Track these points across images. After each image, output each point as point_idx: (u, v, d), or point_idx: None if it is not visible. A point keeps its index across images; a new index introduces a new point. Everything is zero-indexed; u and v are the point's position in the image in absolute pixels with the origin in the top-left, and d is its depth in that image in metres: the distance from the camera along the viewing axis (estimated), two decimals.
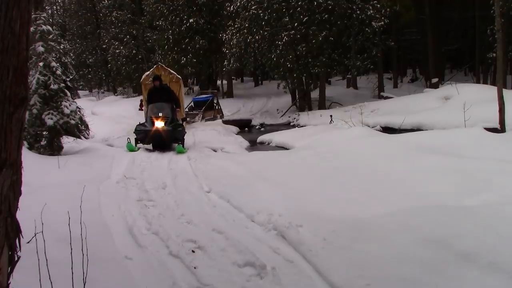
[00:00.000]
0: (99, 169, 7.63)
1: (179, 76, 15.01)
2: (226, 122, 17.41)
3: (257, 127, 17.87)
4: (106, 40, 29.90)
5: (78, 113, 9.17)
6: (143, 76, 14.07)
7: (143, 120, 11.37)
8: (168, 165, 7.95)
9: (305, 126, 15.08)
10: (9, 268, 2.04)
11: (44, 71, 8.78)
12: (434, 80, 20.41)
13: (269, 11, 17.99)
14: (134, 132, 9.74)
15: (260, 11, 18.03)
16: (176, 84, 13.97)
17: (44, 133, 8.71)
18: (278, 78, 22.06)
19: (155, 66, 14.98)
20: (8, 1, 1.88)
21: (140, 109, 13.82)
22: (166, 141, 9.52)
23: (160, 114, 9.62)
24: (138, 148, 9.55)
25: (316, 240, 3.90)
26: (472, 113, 9.34)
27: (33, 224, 2.73)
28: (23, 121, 2.03)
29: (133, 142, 9.76)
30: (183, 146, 9.59)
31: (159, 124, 9.43)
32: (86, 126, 9.42)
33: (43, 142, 8.75)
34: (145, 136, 9.51)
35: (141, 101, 13.97)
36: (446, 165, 5.95)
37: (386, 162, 6.63)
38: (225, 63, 20.46)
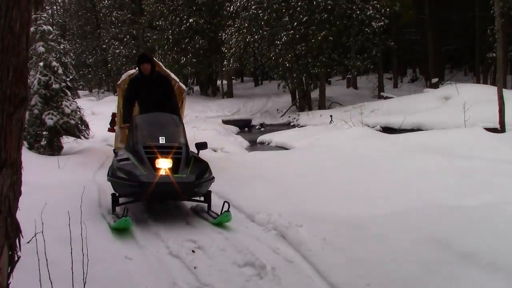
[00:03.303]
0: (98, 169, 7.64)
1: (183, 86, 8.61)
2: (226, 122, 17.43)
3: (257, 127, 17.89)
4: (106, 40, 29.94)
5: (78, 113, 9.17)
6: (123, 77, 7.89)
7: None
8: None
9: (305, 126, 15.09)
10: (9, 268, 2.04)
11: (44, 71, 8.78)
12: (434, 80, 20.42)
13: (268, 11, 18.01)
14: (109, 180, 4.76)
15: (259, 11, 18.05)
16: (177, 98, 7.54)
17: (44, 133, 8.72)
18: (278, 78, 22.10)
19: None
20: (8, 1, 1.88)
21: (111, 130, 7.94)
22: (182, 198, 4.82)
23: (163, 141, 4.72)
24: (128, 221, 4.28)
25: (316, 240, 3.90)
26: (472, 113, 9.35)
27: (33, 224, 2.73)
28: (23, 121, 2.03)
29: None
30: (209, 206, 4.88)
31: (165, 165, 4.47)
32: (86, 126, 9.43)
33: (43, 142, 8.75)
34: (137, 193, 4.51)
35: (114, 115, 7.97)
36: (446, 165, 5.95)
37: (386, 162, 6.64)
38: (225, 63, 20.48)
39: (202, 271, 3.41)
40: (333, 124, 13.17)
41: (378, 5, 17.72)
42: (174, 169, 4.43)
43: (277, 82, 24.82)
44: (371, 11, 17.51)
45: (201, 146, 5.36)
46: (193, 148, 5.26)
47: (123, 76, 7.96)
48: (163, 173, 4.37)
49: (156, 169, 4.39)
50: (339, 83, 29.01)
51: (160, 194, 4.47)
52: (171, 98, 5.69)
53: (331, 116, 14.53)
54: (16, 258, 2.07)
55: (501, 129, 8.62)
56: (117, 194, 4.69)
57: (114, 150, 5.52)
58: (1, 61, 1.89)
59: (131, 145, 4.91)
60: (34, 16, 9.18)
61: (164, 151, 4.54)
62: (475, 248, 3.26)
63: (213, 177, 4.78)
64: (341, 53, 19.12)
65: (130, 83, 5.91)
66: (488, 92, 11.30)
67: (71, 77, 19.13)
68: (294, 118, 17.96)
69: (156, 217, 4.80)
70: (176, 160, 4.51)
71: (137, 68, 7.39)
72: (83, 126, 9.30)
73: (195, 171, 4.55)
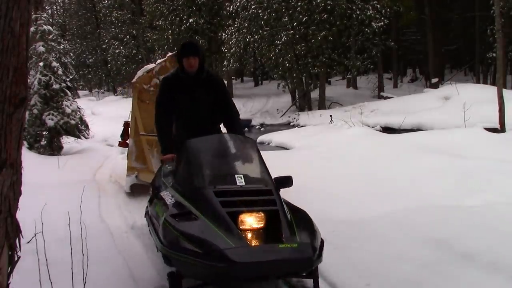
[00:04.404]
0: (98, 169, 7.65)
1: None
2: None
3: (257, 127, 17.88)
4: (106, 40, 29.97)
5: (78, 113, 9.19)
6: (140, 73, 6.09)
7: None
8: None
9: (305, 126, 15.09)
10: (9, 268, 2.04)
11: (44, 71, 8.78)
12: (434, 80, 20.43)
13: (268, 11, 18.02)
14: (163, 251, 2.80)
15: (259, 11, 18.06)
16: None
17: (44, 133, 8.72)
18: (278, 78, 22.10)
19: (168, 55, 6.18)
20: (8, 1, 1.88)
21: (123, 144, 6.36)
22: (285, 275, 2.97)
23: (241, 182, 2.95)
24: None
25: None
26: (472, 113, 9.35)
27: (33, 224, 2.74)
28: (23, 121, 2.03)
29: None
30: (316, 284, 2.94)
31: (253, 222, 2.76)
32: (86, 126, 9.44)
33: (43, 142, 8.76)
34: (223, 277, 2.55)
35: (126, 125, 6.26)
36: (446, 165, 5.95)
37: (386, 162, 6.63)
38: (225, 63, 20.48)
39: None
40: (333, 124, 13.16)
41: (378, 5, 17.73)
42: (271, 230, 2.75)
43: (277, 82, 24.84)
44: (371, 11, 17.52)
45: (284, 182, 3.35)
46: None
47: (140, 73, 6.07)
48: (261, 243, 2.66)
49: (249, 241, 2.65)
50: (339, 83, 29.01)
51: (259, 277, 2.71)
52: (230, 109, 3.85)
53: (331, 116, 14.52)
54: (16, 258, 2.07)
55: (501, 129, 8.62)
56: (176, 273, 2.81)
57: (151, 188, 3.91)
58: (1, 61, 1.89)
59: (187, 186, 3.09)
60: (34, 16, 9.18)
61: (248, 201, 2.82)
62: (475, 248, 3.26)
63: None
64: (341, 53, 19.14)
65: (164, 84, 3.81)
66: (488, 92, 11.30)
67: (71, 77, 19.13)
68: (294, 118, 17.96)
69: None
70: (269, 214, 2.78)
71: (158, 62, 5.84)
72: (83, 126, 9.31)
73: (306, 233, 2.79)
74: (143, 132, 5.73)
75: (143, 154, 5.84)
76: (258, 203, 2.83)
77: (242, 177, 2.98)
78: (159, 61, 6.09)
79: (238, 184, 2.93)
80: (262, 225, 2.75)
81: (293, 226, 2.77)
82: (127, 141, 6.12)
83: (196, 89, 3.70)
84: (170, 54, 5.97)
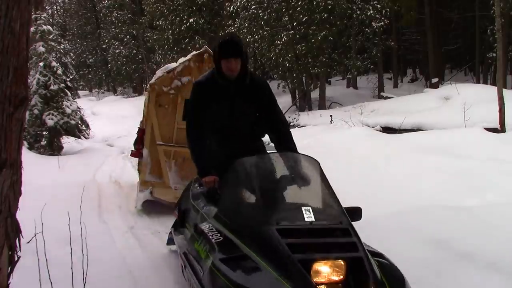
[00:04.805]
0: (98, 169, 7.65)
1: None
2: None
3: None
4: (106, 40, 30.00)
5: (79, 113, 9.20)
6: (159, 73, 5.38)
7: None
8: None
9: (305, 126, 15.09)
10: (9, 268, 2.04)
11: (44, 71, 8.79)
12: (434, 80, 20.43)
13: (268, 11, 18.04)
14: None
15: (259, 11, 18.07)
16: None
17: (44, 133, 8.73)
18: (278, 78, 22.11)
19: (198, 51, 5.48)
20: (8, 1, 1.89)
21: (136, 154, 5.40)
22: None
23: (310, 217, 2.21)
24: None
25: None
26: (472, 113, 9.34)
27: (33, 224, 2.73)
28: (23, 121, 2.03)
29: None
30: None
31: (329, 272, 2.04)
32: (87, 126, 9.46)
33: (43, 142, 8.77)
34: None
35: (141, 133, 5.31)
36: (446, 165, 5.95)
37: (386, 162, 6.63)
38: None
39: None
40: (333, 124, 13.17)
41: (379, 5, 17.74)
42: (350, 282, 2.08)
43: (277, 82, 24.84)
44: (371, 11, 17.53)
45: (353, 215, 2.58)
46: None
47: (159, 72, 5.34)
48: None
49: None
50: (339, 83, 28.98)
51: None
52: (278, 120, 3.32)
53: (331, 116, 14.53)
54: (16, 258, 2.08)
55: (501, 129, 8.61)
56: None
57: (177, 211, 3.40)
58: (1, 61, 1.90)
59: (238, 220, 2.44)
60: (34, 16, 9.18)
61: (321, 243, 2.13)
62: (475, 248, 3.26)
63: None
64: (341, 53, 19.15)
65: (197, 90, 3.09)
66: (488, 92, 11.29)
67: (71, 77, 19.13)
68: (294, 118, 17.96)
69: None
70: (349, 262, 2.10)
71: (180, 61, 5.17)
72: (83, 126, 9.33)
73: None
74: (160, 141, 5.17)
75: (159, 166, 5.20)
76: (335, 246, 2.12)
77: (311, 210, 2.26)
78: (181, 60, 5.38)
79: (306, 219, 2.21)
80: (342, 277, 2.07)
81: (383, 281, 2.07)
82: (142, 150, 5.23)
83: (236, 98, 3.01)
84: (194, 52, 5.29)
